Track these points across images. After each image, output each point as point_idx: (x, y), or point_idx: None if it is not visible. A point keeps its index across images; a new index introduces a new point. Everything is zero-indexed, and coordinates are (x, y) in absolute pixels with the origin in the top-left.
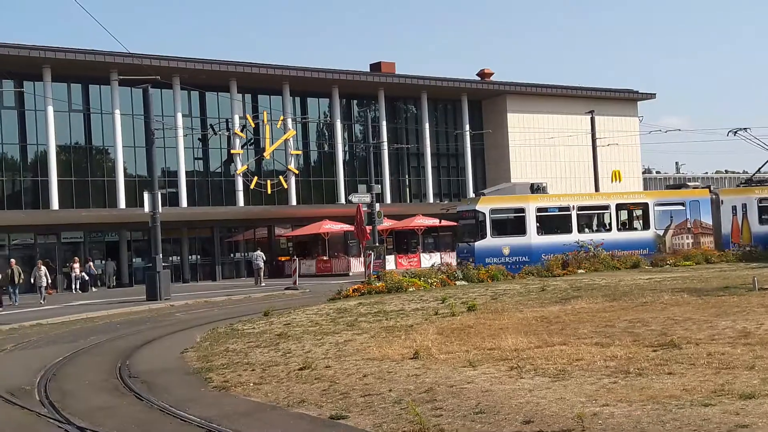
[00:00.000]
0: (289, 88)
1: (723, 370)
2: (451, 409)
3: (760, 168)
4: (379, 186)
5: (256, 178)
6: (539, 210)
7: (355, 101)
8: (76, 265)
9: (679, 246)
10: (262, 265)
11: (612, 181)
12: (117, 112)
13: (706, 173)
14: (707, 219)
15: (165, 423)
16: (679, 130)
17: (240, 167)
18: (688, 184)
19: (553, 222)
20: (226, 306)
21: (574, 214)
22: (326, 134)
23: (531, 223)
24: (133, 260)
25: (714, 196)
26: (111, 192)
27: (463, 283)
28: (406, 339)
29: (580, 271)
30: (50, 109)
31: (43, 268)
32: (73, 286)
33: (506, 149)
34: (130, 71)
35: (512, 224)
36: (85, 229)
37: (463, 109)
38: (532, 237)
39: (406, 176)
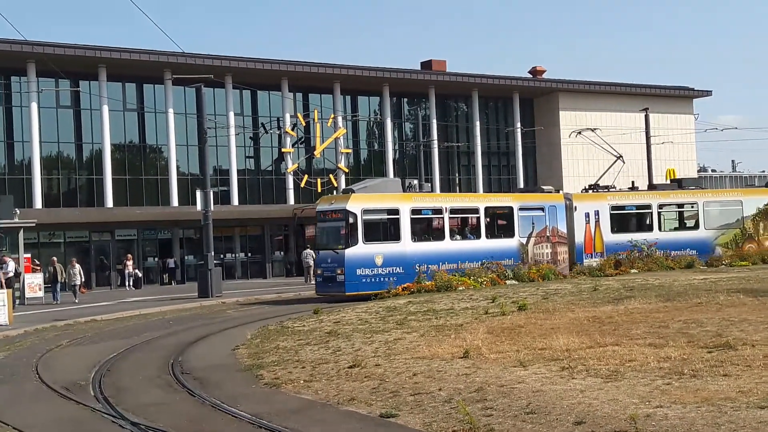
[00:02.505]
0: (340, 87)
1: None
2: (502, 409)
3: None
4: (429, 185)
5: (306, 176)
6: (414, 212)
7: (405, 99)
8: (130, 263)
9: (540, 256)
10: (312, 263)
11: (666, 179)
12: (170, 111)
13: (763, 171)
14: (562, 226)
15: (217, 419)
16: (736, 128)
17: (290, 166)
18: (543, 188)
19: (428, 226)
20: (276, 303)
21: (446, 217)
22: (376, 132)
23: (405, 227)
24: (185, 258)
25: (568, 202)
26: (164, 190)
27: (514, 282)
28: (456, 338)
29: (633, 270)
30: (105, 109)
31: (77, 266)
32: (127, 283)
33: (558, 147)
34: (184, 71)
35: (386, 228)
36: (139, 227)
37: (515, 106)
38: (407, 244)
39: (456, 175)
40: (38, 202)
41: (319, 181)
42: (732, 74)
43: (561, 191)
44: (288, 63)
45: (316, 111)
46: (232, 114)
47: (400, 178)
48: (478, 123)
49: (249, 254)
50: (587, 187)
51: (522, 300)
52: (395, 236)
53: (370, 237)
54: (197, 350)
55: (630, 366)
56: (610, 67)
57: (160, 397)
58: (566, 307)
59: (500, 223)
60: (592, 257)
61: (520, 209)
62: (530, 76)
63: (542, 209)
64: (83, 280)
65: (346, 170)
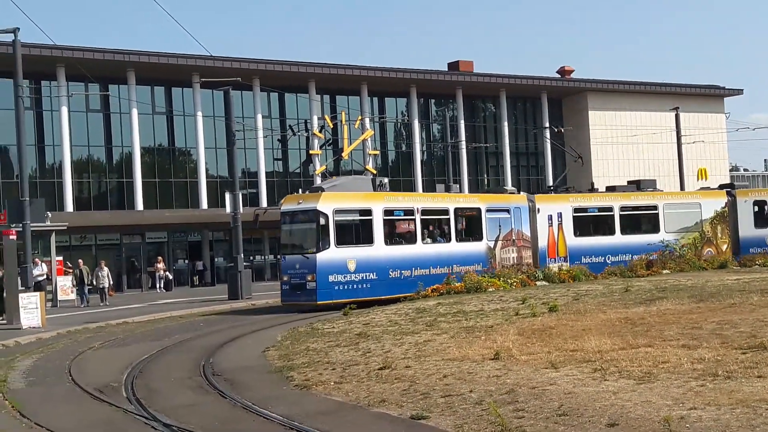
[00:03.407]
0: (367, 89)
1: None
2: (533, 411)
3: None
4: (458, 185)
5: (334, 178)
6: (386, 213)
7: (432, 100)
8: (160, 265)
9: (506, 260)
10: None
11: (698, 179)
12: (199, 114)
13: None
14: (527, 229)
15: (248, 421)
16: None
17: (318, 167)
18: (506, 188)
19: (400, 228)
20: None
21: (418, 218)
22: (404, 134)
23: (378, 229)
24: (215, 260)
25: (531, 204)
26: (193, 193)
27: (544, 283)
28: (487, 339)
29: (665, 271)
30: (134, 112)
31: (105, 268)
32: (157, 285)
33: (588, 147)
34: (212, 74)
35: (358, 230)
36: (169, 230)
37: (543, 107)
38: (380, 248)
39: (485, 175)
40: (69, 206)
41: None
42: (764, 72)
43: (523, 192)
44: (315, 65)
45: (343, 113)
46: (260, 116)
47: (371, 177)
48: (506, 123)
49: (278, 256)
50: (549, 188)
51: (552, 301)
52: (368, 239)
53: (342, 240)
54: (228, 352)
55: (663, 367)
56: (640, 67)
57: (192, 398)
58: (597, 308)
59: (469, 225)
60: (555, 261)
61: (488, 211)
62: (558, 76)
63: (508, 211)
64: (111, 282)
65: (374, 172)
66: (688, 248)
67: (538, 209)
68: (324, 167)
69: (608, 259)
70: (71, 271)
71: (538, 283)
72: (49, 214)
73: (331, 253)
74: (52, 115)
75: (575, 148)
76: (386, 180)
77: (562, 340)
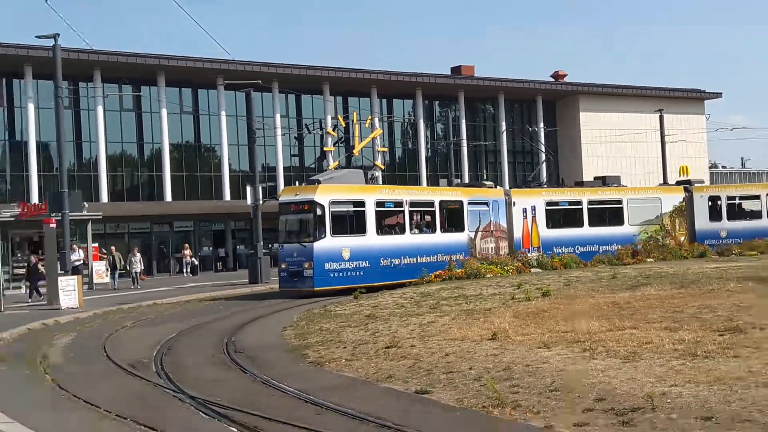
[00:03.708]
0: (377, 91)
1: None
2: (528, 387)
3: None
4: (459, 180)
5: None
6: (378, 204)
7: (436, 102)
8: (187, 251)
9: (485, 250)
10: None
11: (680, 175)
12: (223, 113)
13: None
14: (503, 221)
15: (267, 395)
16: (745, 127)
17: (332, 163)
18: (485, 183)
19: (391, 219)
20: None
21: (406, 210)
22: (410, 133)
23: (371, 220)
24: (237, 247)
25: (507, 198)
26: (217, 186)
27: (538, 270)
28: (485, 321)
29: (649, 259)
30: (164, 112)
31: (138, 254)
32: (184, 270)
33: (579, 146)
34: (235, 77)
35: (352, 221)
36: (195, 219)
37: (538, 108)
38: (372, 237)
39: (484, 171)
40: (104, 197)
41: None
42: (742, 77)
43: (500, 186)
44: (329, 69)
45: (354, 113)
46: (278, 116)
47: (362, 170)
48: (504, 123)
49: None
50: (525, 183)
51: (546, 287)
52: (361, 229)
53: (337, 230)
54: (249, 331)
55: (647, 348)
56: (628, 72)
57: (216, 374)
58: (587, 294)
59: (453, 217)
60: (529, 252)
61: (469, 203)
62: (552, 80)
63: (487, 204)
64: (143, 267)
65: (383, 167)
66: (651, 240)
67: (514, 203)
68: (337, 163)
69: (577, 249)
70: (105, 256)
71: (532, 270)
72: (86, 205)
73: (327, 242)
74: (88, 113)
75: (567, 147)
76: (378, 173)
77: (554, 322)
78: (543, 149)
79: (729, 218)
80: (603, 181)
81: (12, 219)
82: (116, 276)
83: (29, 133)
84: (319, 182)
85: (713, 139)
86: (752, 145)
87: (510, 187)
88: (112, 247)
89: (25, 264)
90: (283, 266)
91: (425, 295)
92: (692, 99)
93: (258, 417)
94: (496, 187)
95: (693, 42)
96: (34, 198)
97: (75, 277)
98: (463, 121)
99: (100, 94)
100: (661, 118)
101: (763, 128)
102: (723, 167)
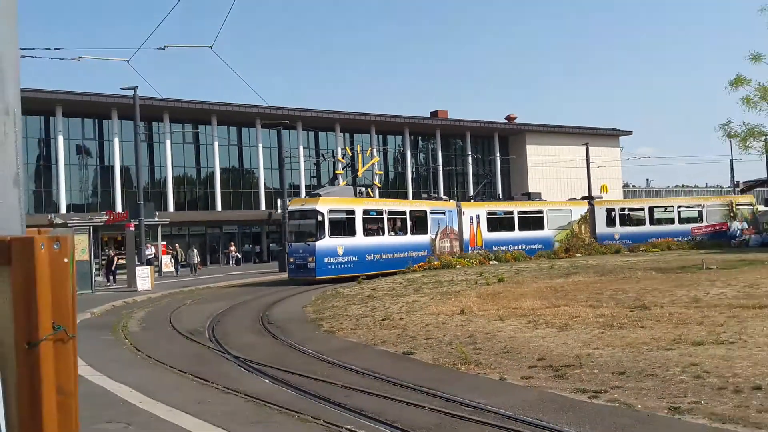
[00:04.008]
0: (375, 129)
1: (680, 325)
2: (487, 349)
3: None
4: (436, 195)
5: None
6: (365, 212)
7: (420, 137)
8: (233, 248)
9: (443, 248)
10: None
11: (600, 192)
12: (260, 145)
13: (668, 186)
14: (456, 226)
15: (292, 355)
16: (649, 156)
17: (341, 182)
18: (443, 197)
19: (374, 224)
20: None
21: (385, 217)
22: (399, 160)
23: (359, 225)
24: (270, 245)
25: (459, 208)
26: (255, 199)
27: (495, 262)
28: (455, 300)
29: (578, 255)
30: (216, 144)
31: (195, 250)
32: (230, 262)
33: (525, 170)
34: (269, 118)
35: (345, 225)
36: (238, 224)
37: (495, 142)
38: (360, 238)
39: (455, 188)
40: (171, 207)
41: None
42: (648, 117)
43: (453, 200)
44: (339, 113)
45: (358, 146)
46: (301, 147)
47: (353, 186)
48: (470, 153)
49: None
50: (471, 197)
51: (501, 275)
52: (352, 232)
53: (333, 232)
54: (278, 308)
55: (576, 320)
56: (563, 114)
57: (253, 339)
58: (531, 280)
59: (419, 223)
60: (474, 249)
61: (431, 213)
62: (506, 121)
63: (444, 213)
64: (199, 259)
65: (379, 185)
66: (563, 241)
67: (463, 212)
68: (345, 182)
69: (510, 247)
70: (171, 251)
71: (491, 262)
72: (157, 213)
73: (326, 242)
74: (159, 146)
75: (516, 172)
76: (364, 189)
77: (507, 301)
78: (484, 173)
79: (621, 225)
80: (528, 197)
81: (101, 224)
82: (179, 266)
83: (115, 159)
84: (319, 195)
85: (626, 165)
86: (655, 169)
87: (460, 200)
88: (176, 245)
89: (105, 257)
90: (291, 260)
91: (410, 281)
92: (610, 135)
93: (284, 371)
94: (450, 200)
95: (609, 90)
96: (118, 208)
97: (148, 267)
98: (440, 151)
99: (168, 131)
100: (587, 149)
101: (663, 156)
102: (633, 186)
